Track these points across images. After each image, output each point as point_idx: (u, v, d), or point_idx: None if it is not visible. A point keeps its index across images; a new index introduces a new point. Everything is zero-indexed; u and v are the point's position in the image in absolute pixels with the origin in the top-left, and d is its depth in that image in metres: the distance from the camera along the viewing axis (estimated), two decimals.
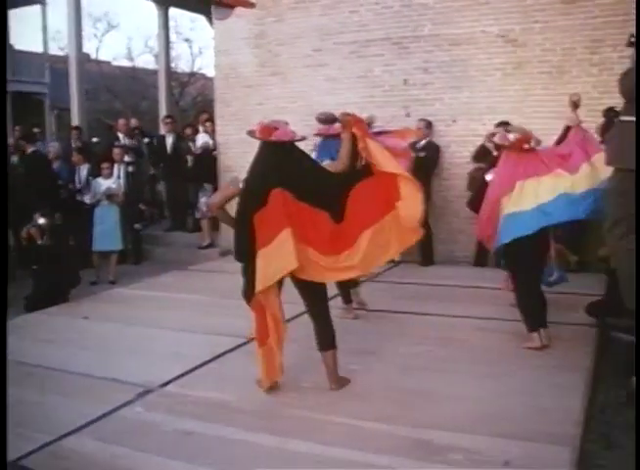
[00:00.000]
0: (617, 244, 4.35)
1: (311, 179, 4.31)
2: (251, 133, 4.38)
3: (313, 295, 4.44)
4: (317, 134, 6.38)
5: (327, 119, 5.70)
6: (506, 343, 4.90)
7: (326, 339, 4.42)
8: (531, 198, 5.07)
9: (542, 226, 5.02)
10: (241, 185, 4.35)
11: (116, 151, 10.22)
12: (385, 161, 4.42)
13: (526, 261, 5.16)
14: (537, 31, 8.61)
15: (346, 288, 6.19)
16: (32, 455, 3.60)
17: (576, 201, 5.00)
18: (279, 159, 4.27)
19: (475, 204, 5.84)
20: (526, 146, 5.17)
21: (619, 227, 4.30)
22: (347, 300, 6.24)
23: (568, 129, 5.66)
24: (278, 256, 4.07)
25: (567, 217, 5.03)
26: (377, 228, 4.31)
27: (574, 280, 7.49)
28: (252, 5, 9.89)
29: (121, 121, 11.86)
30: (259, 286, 4.14)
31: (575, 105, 5.66)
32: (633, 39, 4.60)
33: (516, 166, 5.21)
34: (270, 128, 4.27)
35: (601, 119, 7.54)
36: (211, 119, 11.09)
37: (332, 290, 5.33)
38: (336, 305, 6.01)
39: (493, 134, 6.44)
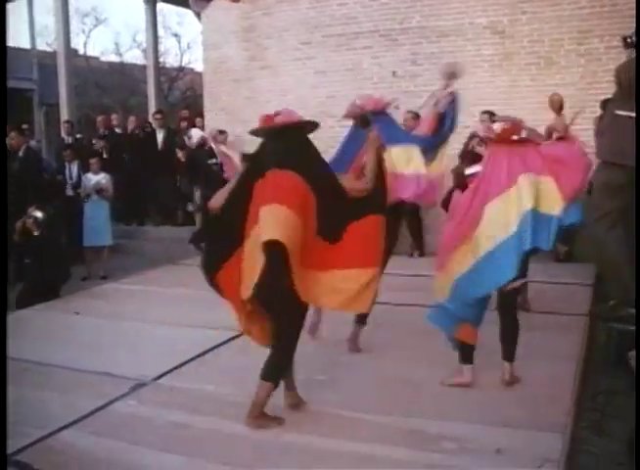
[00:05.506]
0: (605, 235, 4.42)
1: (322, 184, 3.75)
2: (254, 132, 3.94)
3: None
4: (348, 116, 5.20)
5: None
6: (496, 334, 4.91)
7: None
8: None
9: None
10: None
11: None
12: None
13: None
14: (525, 23, 8.66)
15: None
16: (28, 450, 3.61)
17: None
18: (286, 143, 3.80)
19: (448, 203, 5.03)
20: (515, 137, 4.22)
21: (608, 219, 4.38)
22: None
23: (550, 135, 4.90)
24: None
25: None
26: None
27: (564, 270, 7.56)
28: None
29: (100, 118, 11.93)
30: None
31: (559, 107, 4.58)
32: (630, 40, 4.59)
33: (509, 161, 4.15)
34: (270, 116, 3.89)
35: (591, 110, 7.57)
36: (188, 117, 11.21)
37: None
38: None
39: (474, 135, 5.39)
